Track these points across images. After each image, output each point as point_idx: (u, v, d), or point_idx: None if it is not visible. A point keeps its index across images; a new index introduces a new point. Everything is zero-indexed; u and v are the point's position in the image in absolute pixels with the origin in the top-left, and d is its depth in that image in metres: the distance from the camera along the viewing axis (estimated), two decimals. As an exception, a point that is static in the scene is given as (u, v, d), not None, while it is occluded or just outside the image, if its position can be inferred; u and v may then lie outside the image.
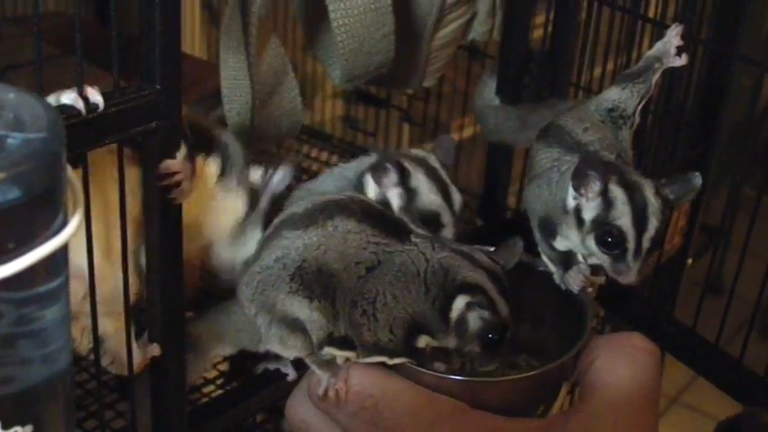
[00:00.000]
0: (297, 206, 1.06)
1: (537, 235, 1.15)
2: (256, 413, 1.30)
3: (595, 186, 1.05)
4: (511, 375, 1.07)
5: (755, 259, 1.29)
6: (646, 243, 1.05)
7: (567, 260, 1.12)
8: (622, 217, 1.04)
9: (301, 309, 1.01)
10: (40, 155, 0.58)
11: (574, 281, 1.11)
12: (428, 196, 1.16)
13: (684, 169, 1.59)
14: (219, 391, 1.34)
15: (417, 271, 1.00)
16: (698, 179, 1.08)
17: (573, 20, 1.44)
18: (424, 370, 0.98)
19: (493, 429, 0.95)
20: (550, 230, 1.13)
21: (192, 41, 2.16)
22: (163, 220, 0.96)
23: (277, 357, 1.22)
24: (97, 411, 1.08)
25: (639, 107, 1.20)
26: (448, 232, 1.15)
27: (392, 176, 1.14)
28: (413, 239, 1.03)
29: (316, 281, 1.01)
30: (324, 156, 1.91)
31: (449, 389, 0.97)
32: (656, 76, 1.20)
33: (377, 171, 1.14)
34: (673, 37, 1.19)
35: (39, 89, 0.79)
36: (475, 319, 0.99)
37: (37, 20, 0.80)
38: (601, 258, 1.07)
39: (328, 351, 1.01)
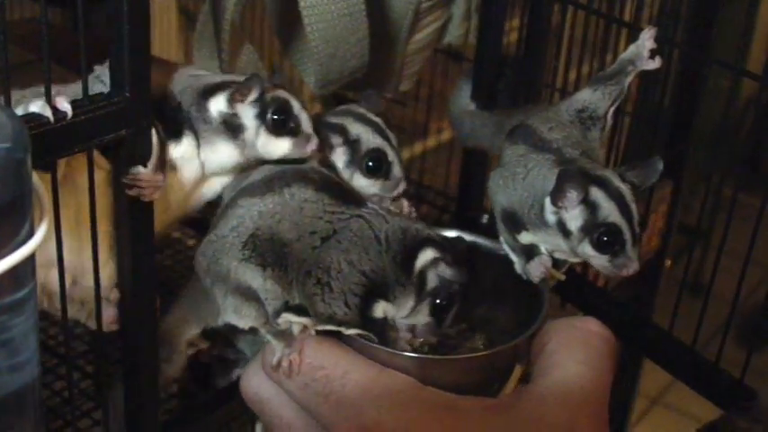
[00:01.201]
0: (257, 173, 1.08)
1: (500, 225, 1.15)
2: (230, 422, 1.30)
3: (574, 196, 1.05)
4: (462, 354, 1.08)
5: (735, 259, 1.29)
6: (637, 229, 1.06)
7: (529, 251, 1.12)
8: (611, 214, 1.05)
9: (254, 277, 1.01)
10: (4, 165, 0.58)
11: (535, 271, 1.11)
12: (369, 140, 1.16)
13: (663, 170, 1.60)
14: (191, 401, 1.33)
15: (375, 234, 1.02)
16: (659, 163, 1.09)
17: (546, 23, 1.43)
18: (378, 345, 0.99)
19: (441, 405, 0.95)
20: (514, 224, 1.13)
21: (169, 46, 2.15)
22: (133, 223, 0.95)
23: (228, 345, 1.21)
24: (72, 420, 1.07)
25: (611, 109, 1.21)
26: (396, 170, 1.16)
27: (335, 139, 1.15)
28: (370, 206, 1.04)
29: (269, 249, 1.01)
30: (302, 160, 1.90)
31: (401, 365, 0.98)
32: (629, 79, 1.21)
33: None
34: (646, 40, 1.20)
35: (6, 98, 0.78)
36: (433, 277, 1.01)
37: (2, 26, 0.79)
38: (599, 260, 1.07)
39: (285, 318, 1.01)
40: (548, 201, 1.07)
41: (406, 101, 1.83)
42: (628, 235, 1.05)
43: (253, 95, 1.04)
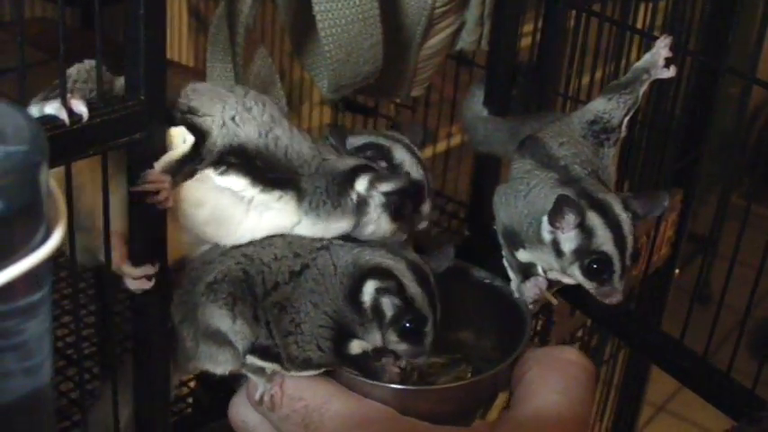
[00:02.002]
0: None
1: (500, 240, 1.17)
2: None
3: (571, 219, 1.05)
4: (442, 384, 1.08)
5: (742, 268, 1.29)
6: (627, 261, 1.07)
7: (526, 270, 1.13)
8: (605, 243, 1.06)
9: (222, 318, 1.00)
10: (22, 168, 0.58)
11: (529, 292, 1.12)
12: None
13: (674, 179, 1.60)
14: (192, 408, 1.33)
15: (335, 268, 1.01)
16: (665, 198, 1.10)
17: (559, 30, 1.43)
18: (358, 377, 0.99)
19: None
20: (513, 241, 1.14)
21: (180, 49, 2.15)
22: (146, 228, 0.95)
23: None
24: (81, 421, 1.07)
25: (626, 119, 1.20)
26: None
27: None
28: (334, 242, 1.04)
29: (233, 286, 1.00)
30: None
31: (381, 396, 0.98)
32: (644, 88, 1.20)
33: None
34: (661, 48, 1.19)
35: (22, 100, 0.78)
36: (388, 306, 0.99)
37: (20, 27, 0.79)
38: (586, 285, 1.07)
39: (250, 361, 1.01)
40: (545, 219, 1.08)
41: (415, 106, 1.83)
42: (617, 266, 1.06)
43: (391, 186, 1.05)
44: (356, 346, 1.00)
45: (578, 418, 0.99)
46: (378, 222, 1.05)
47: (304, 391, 0.98)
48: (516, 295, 1.14)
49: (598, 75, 1.53)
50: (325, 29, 1.19)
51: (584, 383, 1.01)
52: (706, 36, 1.53)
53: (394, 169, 1.14)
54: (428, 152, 2.10)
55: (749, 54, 1.32)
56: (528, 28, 1.54)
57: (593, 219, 1.06)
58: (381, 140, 1.17)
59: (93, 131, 0.84)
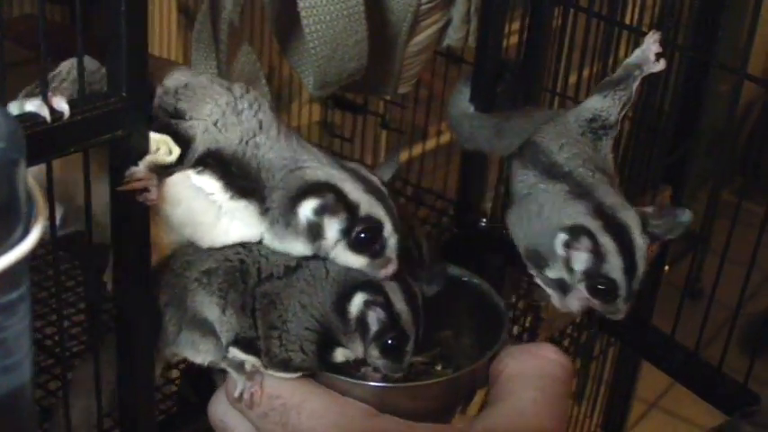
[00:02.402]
0: None
1: (526, 263, 1.16)
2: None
3: (586, 244, 1.06)
4: (421, 381, 1.08)
5: (733, 264, 1.29)
6: (635, 286, 1.07)
7: (562, 284, 1.12)
8: (614, 270, 1.06)
9: (210, 307, 1.00)
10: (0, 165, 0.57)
11: (574, 306, 1.12)
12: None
13: (663, 175, 1.60)
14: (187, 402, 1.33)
15: (327, 273, 1.00)
16: (687, 216, 1.09)
17: (547, 27, 1.43)
18: (337, 376, 0.99)
19: None
20: (538, 262, 1.14)
21: (169, 46, 2.14)
22: (130, 225, 0.95)
23: None
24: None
25: (621, 115, 1.20)
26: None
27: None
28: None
29: (227, 275, 1.00)
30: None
31: (359, 394, 0.98)
32: (637, 83, 1.20)
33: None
34: (651, 44, 1.19)
35: (1, 97, 0.77)
36: (374, 320, 0.98)
37: (0, 23, 0.78)
38: (591, 301, 1.09)
39: (233, 353, 1.00)
40: (560, 235, 1.08)
41: (405, 103, 1.83)
42: (623, 291, 1.07)
43: (344, 215, 0.96)
44: (340, 355, 1.00)
45: (556, 414, 0.99)
46: (337, 252, 0.98)
47: (282, 389, 0.98)
48: (563, 310, 1.14)
49: (586, 72, 1.53)
50: (309, 25, 1.19)
51: (562, 380, 1.02)
52: (696, 31, 1.53)
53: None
54: (417, 150, 2.10)
55: (738, 50, 1.33)
56: (516, 26, 1.54)
57: (608, 244, 1.06)
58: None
59: (74, 129, 0.84)
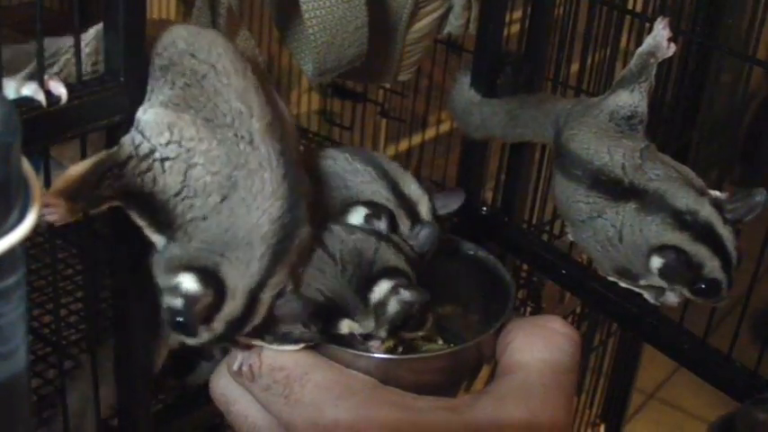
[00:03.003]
0: None
1: (616, 279, 1.20)
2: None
3: (680, 261, 1.10)
4: (425, 353, 1.07)
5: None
6: (733, 275, 1.11)
7: (659, 289, 1.17)
8: (713, 271, 1.10)
9: None
10: (-7, 149, 0.56)
11: (671, 301, 1.17)
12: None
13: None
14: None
15: (330, 253, 0.99)
16: (762, 195, 1.11)
17: (549, 16, 1.42)
18: (340, 347, 0.98)
19: (399, 405, 0.95)
20: (629, 276, 1.17)
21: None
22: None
23: None
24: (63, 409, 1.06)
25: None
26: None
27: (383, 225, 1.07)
28: (329, 226, 1.02)
29: None
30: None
31: (364, 366, 0.97)
32: (654, 71, 1.20)
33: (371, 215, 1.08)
34: (661, 29, 1.19)
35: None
36: (394, 304, 0.98)
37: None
38: (693, 297, 1.14)
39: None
40: (654, 259, 1.11)
41: (405, 92, 1.82)
42: (725, 284, 1.11)
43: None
44: (345, 326, 0.99)
45: (563, 388, 0.98)
46: None
47: (285, 361, 0.97)
48: (658, 304, 1.19)
49: (589, 60, 1.51)
50: (309, 11, 1.18)
51: (570, 352, 1.01)
52: (700, 17, 1.52)
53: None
54: (417, 139, 2.09)
55: (741, 38, 1.32)
56: (517, 15, 1.52)
57: (700, 252, 1.10)
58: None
59: (71, 114, 0.83)
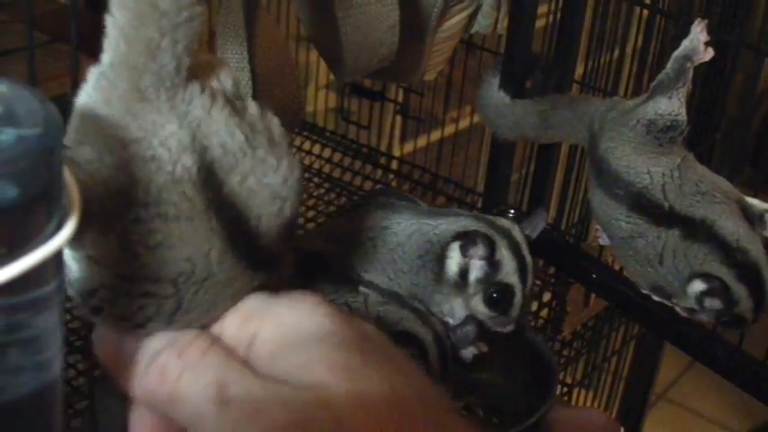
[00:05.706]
0: None
1: (650, 293, 1.21)
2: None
3: (719, 295, 1.12)
4: None
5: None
6: (763, 310, 1.13)
7: (691, 310, 1.17)
8: (746, 311, 1.12)
9: None
10: (36, 152, 0.55)
11: (701, 319, 1.18)
12: (508, 273, 1.07)
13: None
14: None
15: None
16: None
17: (581, 16, 1.40)
18: None
19: None
20: (666, 295, 1.18)
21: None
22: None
23: None
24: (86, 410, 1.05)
25: None
26: (515, 310, 1.07)
27: (481, 250, 1.05)
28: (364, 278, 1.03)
29: None
30: (317, 149, 1.86)
31: None
32: (690, 75, 1.18)
33: (465, 243, 1.05)
34: (698, 33, 1.17)
35: (32, 80, 0.75)
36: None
37: (29, 5, 0.76)
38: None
39: None
40: (697, 282, 1.12)
41: (422, 91, 1.80)
42: (750, 321, 1.13)
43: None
44: None
45: None
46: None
47: None
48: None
49: (604, 59, 1.50)
50: (341, 10, 1.16)
51: None
52: (720, 12, 1.50)
53: (491, 266, 1.05)
54: (435, 136, 2.08)
55: (754, 35, 1.31)
56: (542, 9, 1.50)
57: (741, 291, 1.11)
58: (493, 234, 1.08)
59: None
